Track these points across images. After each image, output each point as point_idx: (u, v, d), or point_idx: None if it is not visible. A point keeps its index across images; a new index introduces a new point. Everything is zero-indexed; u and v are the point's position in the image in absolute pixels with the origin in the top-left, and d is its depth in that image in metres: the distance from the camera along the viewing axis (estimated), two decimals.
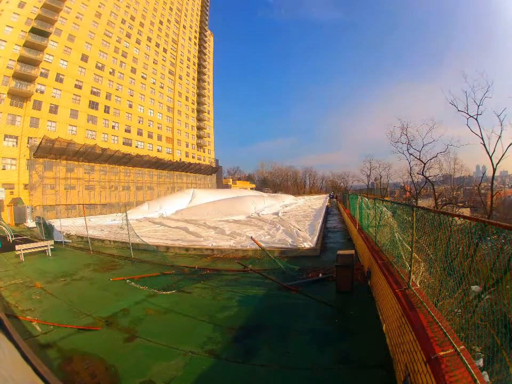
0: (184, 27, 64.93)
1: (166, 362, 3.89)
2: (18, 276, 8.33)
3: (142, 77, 50.06)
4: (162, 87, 55.05)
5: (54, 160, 31.23)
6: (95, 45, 41.45)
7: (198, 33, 70.92)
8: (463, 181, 46.18)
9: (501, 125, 22.77)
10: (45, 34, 34.26)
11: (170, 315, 5.52)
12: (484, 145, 23.25)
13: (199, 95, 67.29)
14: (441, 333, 2.59)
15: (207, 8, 77.25)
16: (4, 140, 29.81)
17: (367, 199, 9.45)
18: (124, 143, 44.30)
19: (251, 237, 9.19)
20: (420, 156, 30.70)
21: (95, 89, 40.55)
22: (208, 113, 71.14)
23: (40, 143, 28.40)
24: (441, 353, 2.33)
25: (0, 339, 0.77)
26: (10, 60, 30.96)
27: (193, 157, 62.26)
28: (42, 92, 33.65)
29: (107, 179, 37.51)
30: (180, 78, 60.77)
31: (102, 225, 19.63)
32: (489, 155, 23.04)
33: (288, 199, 41.60)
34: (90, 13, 41.20)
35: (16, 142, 30.82)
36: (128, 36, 48.23)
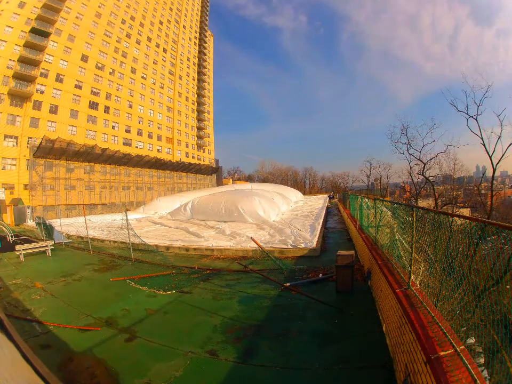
0: (184, 27, 64.96)
1: (166, 363, 3.88)
2: (18, 276, 8.32)
3: (142, 77, 50.09)
4: (162, 87, 55.07)
5: (54, 160, 31.22)
6: (95, 45, 41.48)
7: (198, 34, 70.96)
8: (463, 181, 46.23)
9: (501, 125, 22.83)
10: (45, 35, 34.29)
11: (170, 315, 5.52)
12: (484, 145, 23.30)
13: (199, 95, 67.31)
14: (441, 333, 2.59)
15: (207, 8, 77.30)
16: (4, 140, 29.83)
17: (367, 199, 9.44)
18: (123, 143, 44.33)
19: (251, 237, 9.18)
20: (420, 156, 30.75)
21: (95, 90, 40.57)
22: (208, 113, 71.16)
23: (40, 143, 28.40)
24: (441, 353, 2.33)
25: (0, 339, 0.77)
26: (10, 60, 30.98)
27: (193, 157, 62.27)
28: (42, 92, 33.67)
29: (107, 179, 37.51)
30: (180, 78, 60.80)
31: (102, 225, 19.63)
32: (489, 155, 23.08)
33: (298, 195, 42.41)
34: (90, 13, 41.22)
35: (16, 142, 30.83)
36: (128, 36, 48.26)
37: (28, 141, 30.99)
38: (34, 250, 10.95)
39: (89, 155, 33.50)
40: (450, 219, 2.96)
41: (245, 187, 35.26)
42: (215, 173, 62.04)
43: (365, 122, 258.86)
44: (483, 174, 31.99)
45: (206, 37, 73.68)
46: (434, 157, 30.62)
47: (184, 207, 22.83)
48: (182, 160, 52.03)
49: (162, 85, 55.14)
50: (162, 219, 22.43)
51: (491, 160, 22.97)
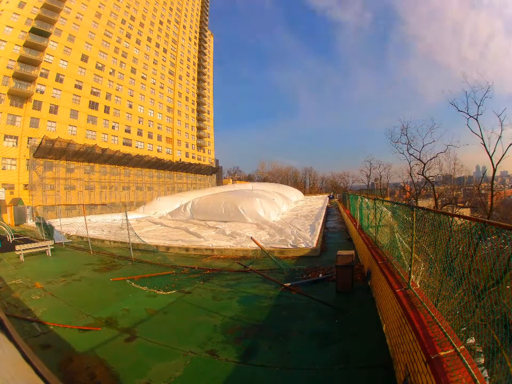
0: (184, 27, 64.96)
1: (166, 363, 3.89)
2: (18, 276, 8.32)
3: (142, 77, 50.08)
4: (162, 87, 55.06)
5: (54, 160, 31.24)
6: (95, 45, 41.47)
7: (198, 34, 70.96)
8: (463, 181, 46.21)
9: (501, 125, 22.85)
10: (45, 35, 34.28)
11: (170, 315, 5.52)
12: (484, 145, 23.31)
13: (199, 95, 67.31)
14: (441, 333, 2.59)
15: (207, 8, 77.29)
16: (4, 140, 29.83)
17: (367, 200, 9.44)
18: (123, 143, 44.32)
19: (251, 237, 9.19)
20: (420, 156, 30.77)
21: (95, 90, 40.56)
22: (208, 113, 71.15)
23: (40, 143, 28.41)
24: (441, 353, 2.33)
25: (0, 339, 0.77)
26: (10, 60, 30.98)
27: (193, 157, 62.26)
28: (42, 92, 33.66)
29: (107, 179, 37.53)
30: (180, 78, 60.79)
31: (102, 225, 19.63)
32: (489, 155, 23.10)
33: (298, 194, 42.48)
34: (90, 13, 41.22)
35: (16, 142, 30.83)
36: (128, 36, 48.25)
37: (28, 141, 30.99)
38: (34, 250, 10.95)
39: (89, 155, 33.51)
40: (450, 219, 2.96)
41: (245, 187, 35.30)
42: (215, 173, 62.06)
43: (365, 123, 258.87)
44: (483, 174, 31.96)
45: (206, 37, 73.67)
46: (434, 157, 30.68)
47: (184, 207, 22.83)
48: (182, 160, 52.03)
49: (162, 85, 55.13)
50: (162, 219, 22.44)
51: (491, 160, 23.01)
